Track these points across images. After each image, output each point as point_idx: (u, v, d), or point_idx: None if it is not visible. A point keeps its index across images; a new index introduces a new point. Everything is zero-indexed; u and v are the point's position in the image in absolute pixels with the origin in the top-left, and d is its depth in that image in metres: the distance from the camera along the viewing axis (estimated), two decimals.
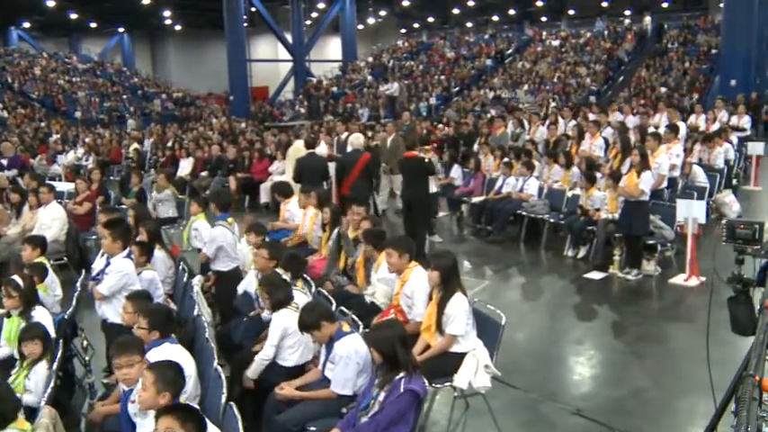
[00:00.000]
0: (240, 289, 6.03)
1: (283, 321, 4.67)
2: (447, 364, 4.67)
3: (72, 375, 5.40)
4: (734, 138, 13.40)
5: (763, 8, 22.82)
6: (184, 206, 10.55)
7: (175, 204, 10.59)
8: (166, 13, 39.87)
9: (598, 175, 9.71)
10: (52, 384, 4.27)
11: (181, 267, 6.60)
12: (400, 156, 12.75)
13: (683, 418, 5.18)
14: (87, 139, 21.80)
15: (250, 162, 14.24)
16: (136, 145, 19.14)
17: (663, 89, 24.71)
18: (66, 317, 5.50)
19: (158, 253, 6.49)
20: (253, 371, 4.73)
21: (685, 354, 6.25)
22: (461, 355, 4.72)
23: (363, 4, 42.23)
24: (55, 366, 4.46)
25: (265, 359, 4.71)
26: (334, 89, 34.37)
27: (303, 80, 36.73)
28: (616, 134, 11.03)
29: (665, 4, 38.96)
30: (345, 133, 13.51)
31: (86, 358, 5.62)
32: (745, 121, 14.86)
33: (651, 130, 11.12)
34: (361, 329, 4.66)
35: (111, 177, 16.97)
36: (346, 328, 4.38)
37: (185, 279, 6.25)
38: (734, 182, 12.35)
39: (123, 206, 10.39)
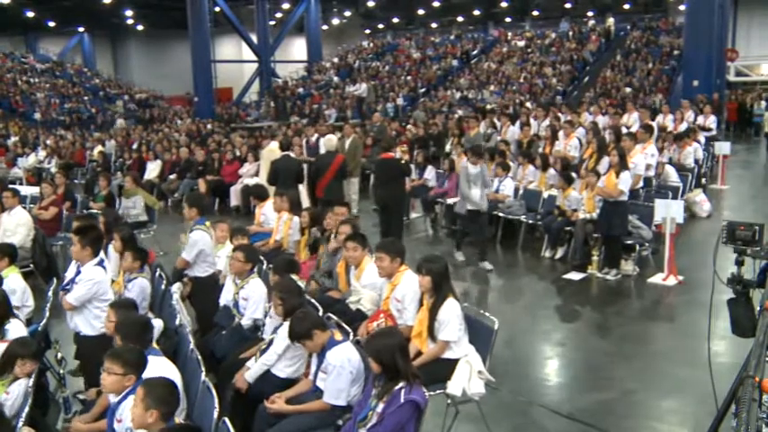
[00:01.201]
0: (221, 301, 5.84)
1: None
2: (439, 370, 4.57)
3: (45, 390, 5.15)
4: (701, 138, 13.60)
5: (721, 12, 23.30)
6: (154, 210, 10.31)
7: (145, 208, 10.31)
8: (128, 13, 39.12)
9: (574, 175, 9.73)
10: (30, 402, 4.05)
11: (158, 274, 6.39)
12: (359, 158, 12.73)
13: (675, 418, 5.16)
14: (49, 142, 21.24)
15: (220, 164, 13.98)
16: (100, 147, 18.67)
17: (628, 89, 25.02)
18: (39, 329, 5.25)
19: None
20: (251, 373, 4.56)
21: (670, 354, 6.27)
22: (454, 362, 4.62)
23: (328, 5, 42.01)
24: (30, 382, 4.24)
25: (267, 364, 4.56)
26: (300, 90, 34.10)
27: (268, 81, 36.37)
28: (590, 134, 11.07)
29: (626, 6, 39.49)
30: (315, 135, 13.38)
31: (60, 372, 5.37)
32: (711, 121, 15.12)
33: (624, 130, 11.20)
34: (351, 337, 4.54)
35: (76, 181, 16.51)
36: (338, 336, 4.25)
37: (163, 286, 6.04)
38: (703, 181, 12.53)
39: (92, 210, 10.12)
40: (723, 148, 14.01)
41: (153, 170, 14.80)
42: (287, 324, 4.59)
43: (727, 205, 12.50)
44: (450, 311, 4.58)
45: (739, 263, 3.74)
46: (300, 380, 4.61)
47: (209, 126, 23.90)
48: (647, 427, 5.05)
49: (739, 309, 3.74)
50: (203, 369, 4.11)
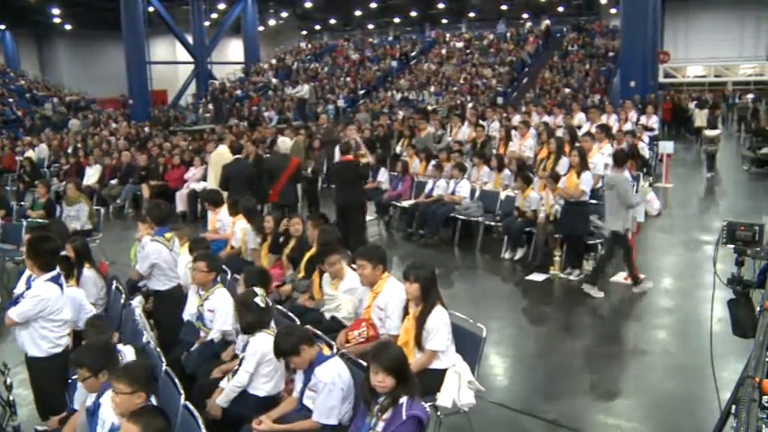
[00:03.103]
0: (185, 316, 5.49)
1: (261, 346, 4.24)
2: (428, 382, 4.35)
3: None
4: (645, 137, 13.86)
5: (654, 15, 24.00)
6: (100, 217, 9.81)
7: (88, 215, 9.78)
8: (55, 12, 37.41)
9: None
10: None
11: (114, 287, 5.99)
12: (302, 160, 12.46)
13: (658, 419, 5.11)
14: None
15: (164, 169, 13.45)
16: (30, 152, 17.73)
17: (567, 90, 25.45)
18: None
19: (88, 272, 5.89)
20: (222, 398, 4.27)
21: (645, 354, 6.26)
22: (442, 372, 4.44)
23: (264, 6, 41.34)
24: None
25: (238, 386, 4.27)
26: (238, 92, 33.43)
27: (205, 83, 35.51)
28: (543, 134, 11.07)
29: (560, 9, 40.28)
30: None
31: (9, 398, 4.91)
32: (654, 121, 15.45)
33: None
34: (335, 350, 4.29)
35: (8, 187, 15.64)
36: (327, 351, 4.01)
37: (122, 300, 5.65)
38: (651, 179, 12.73)
39: (30, 219, 9.55)
40: (666, 147, 14.32)
41: (92, 175, 14.12)
42: (255, 339, 4.33)
43: (675, 203, 12.77)
44: (439, 319, 4.39)
45: (739, 263, 3.69)
46: (282, 397, 4.35)
47: (146, 129, 23.10)
48: (630, 429, 4.98)
49: (740, 309, 3.69)
50: (182, 392, 3.79)
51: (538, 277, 8.46)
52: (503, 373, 6.02)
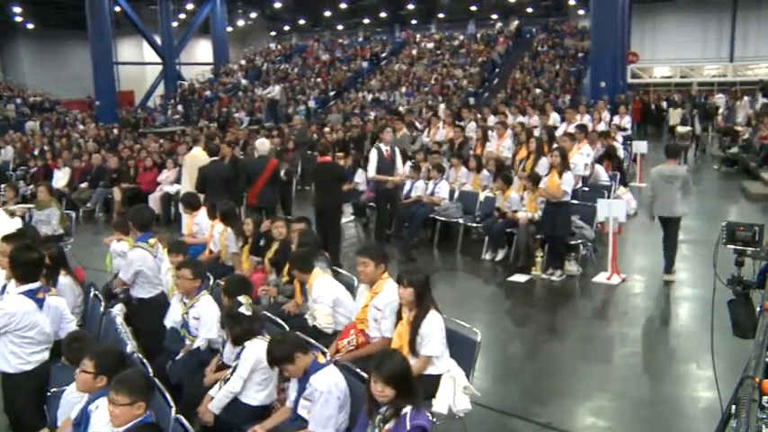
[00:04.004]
0: (167, 323, 5.33)
1: (256, 352, 4.12)
2: (423, 388, 4.25)
3: None
4: (619, 137, 13.97)
5: (623, 16, 24.28)
6: (72, 221, 9.55)
7: (59, 220, 9.50)
8: (16, 10, 36.51)
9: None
10: None
11: (92, 294, 5.79)
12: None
13: (654, 421, 5.09)
14: None
15: (136, 172, 13.17)
16: None
17: (538, 90, 25.58)
18: None
19: (64, 279, 5.66)
20: (215, 404, 4.13)
21: (635, 354, 6.26)
22: (437, 378, 4.36)
23: (233, 6, 40.95)
24: None
25: (231, 391, 4.15)
26: (208, 93, 33.04)
27: (174, 84, 35.02)
28: (522, 134, 11.05)
29: (529, 10, 40.53)
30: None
31: None
32: (627, 121, 15.60)
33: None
34: (329, 358, 4.18)
35: None
36: (322, 359, 3.90)
37: (102, 309, 5.46)
38: (627, 179, 12.84)
39: None
40: (640, 147, 14.45)
41: (61, 178, 13.76)
42: (250, 344, 4.22)
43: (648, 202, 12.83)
44: (434, 324, 4.31)
45: (739, 263, 3.66)
46: (274, 406, 4.23)
47: (114, 131, 22.66)
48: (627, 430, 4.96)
49: (739, 309, 3.67)
50: (173, 405, 3.64)
51: (520, 278, 8.42)
52: (490, 375, 5.95)
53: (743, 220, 3.70)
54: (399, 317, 4.53)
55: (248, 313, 4.26)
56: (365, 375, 3.72)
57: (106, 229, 12.47)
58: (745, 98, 20.72)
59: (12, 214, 8.18)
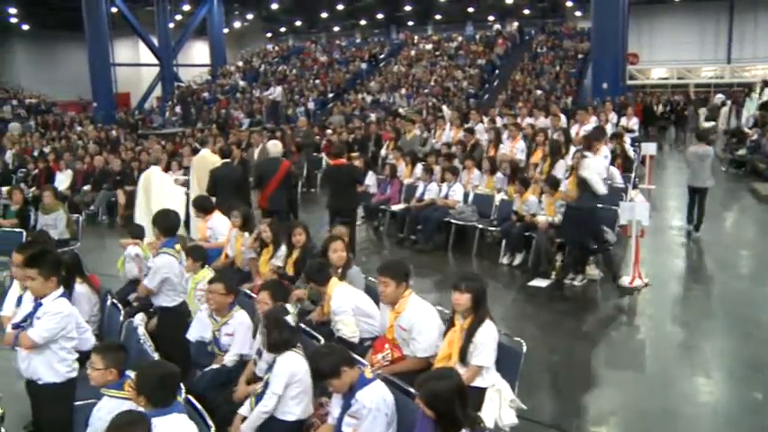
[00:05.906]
0: (191, 337, 5.12)
1: (290, 366, 3.94)
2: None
3: None
4: (627, 139, 13.83)
5: (623, 18, 24.24)
6: (79, 225, 9.34)
7: (66, 224, 9.29)
8: (11, 11, 36.18)
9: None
10: None
11: (110, 303, 5.59)
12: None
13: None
14: None
15: (139, 173, 12.93)
16: None
17: (539, 92, 25.46)
18: None
19: (80, 287, 5.47)
20: (248, 426, 3.94)
21: (669, 360, 6.10)
22: (483, 391, 4.19)
23: (229, 7, 40.73)
24: None
25: (265, 411, 3.95)
26: (206, 95, 32.82)
27: (171, 85, 34.78)
28: (539, 137, 10.91)
29: (526, 11, 40.47)
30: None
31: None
32: (634, 123, 15.46)
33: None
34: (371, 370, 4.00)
35: None
36: (368, 373, 3.71)
37: (122, 318, 5.24)
38: (636, 181, 12.70)
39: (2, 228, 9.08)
40: (649, 148, 14.30)
41: (63, 181, 13.52)
42: (282, 359, 4.03)
43: (658, 204, 12.72)
44: (488, 334, 4.17)
45: None
46: (313, 423, 4.03)
47: (113, 132, 22.41)
48: None
49: None
50: (212, 424, 3.44)
51: (541, 283, 8.24)
52: (525, 385, 5.77)
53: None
54: (451, 324, 4.36)
55: (292, 323, 4.07)
56: (412, 390, 3.56)
57: (110, 232, 12.27)
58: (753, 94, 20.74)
59: None
